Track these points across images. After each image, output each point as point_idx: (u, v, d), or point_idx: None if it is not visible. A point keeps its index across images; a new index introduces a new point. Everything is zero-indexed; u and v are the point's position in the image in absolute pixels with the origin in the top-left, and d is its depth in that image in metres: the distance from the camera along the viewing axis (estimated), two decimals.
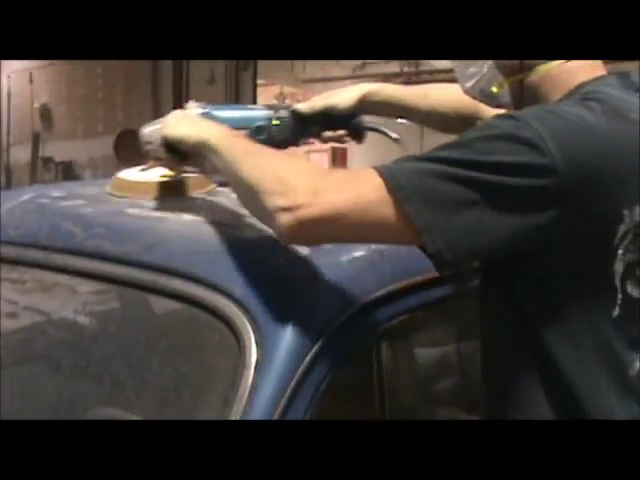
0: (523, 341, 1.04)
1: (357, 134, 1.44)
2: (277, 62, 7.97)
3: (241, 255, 1.11)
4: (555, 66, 1.08)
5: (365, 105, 1.41)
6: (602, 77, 1.08)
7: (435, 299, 1.21)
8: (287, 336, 1.01)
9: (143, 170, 1.34)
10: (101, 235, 1.22)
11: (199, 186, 1.33)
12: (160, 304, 1.14)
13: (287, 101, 9.12)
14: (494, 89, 1.15)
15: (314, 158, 12.52)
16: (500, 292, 1.04)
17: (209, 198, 1.33)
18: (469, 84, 1.19)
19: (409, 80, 7.41)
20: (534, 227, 0.94)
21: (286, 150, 1.36)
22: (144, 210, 1.29)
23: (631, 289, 1.01)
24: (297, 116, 1.35)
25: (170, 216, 1.25)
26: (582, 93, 1.04)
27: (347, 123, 1.42)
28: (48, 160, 8.33)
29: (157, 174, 1.33)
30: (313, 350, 1.02)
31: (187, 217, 1.24)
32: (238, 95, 6.62)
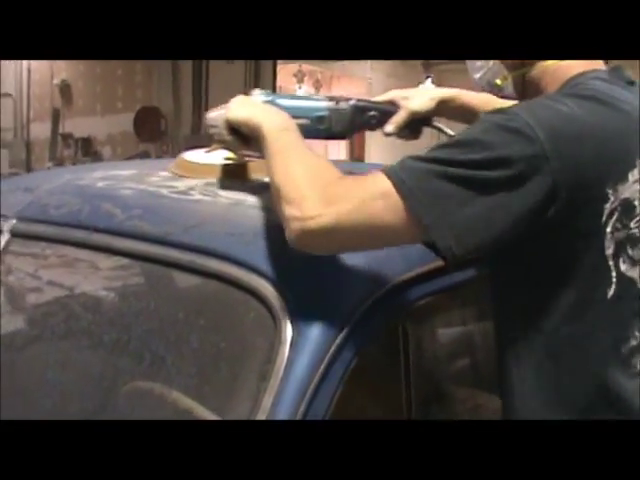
0: (524, 319, 1.09)
1: (415, 130, 1.45)
2: None
3: (276, 237, 1.12)
4: (553, 62, 1.15)
5: (441, 109, 1.44)
6: (593, 71, 1.14)
7: (460, 281, 1.25)
8: (320, 315, 1.05)
9: (207, 152, 1.39)
10: (140, 216, 1.25)
11: (260, 170, 1.32)
12: (199, 284, 1.18)
13: (305, 79, 9.09)
14: (498, 81, 1.26)
15: (332, 144, 12.45)
16: (503, 277, 1.09)
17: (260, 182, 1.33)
18: (477, 75, 1.29)
19: (427, 63, 7.38)
20: (533, 209, 0.98)
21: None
22: (182, 192, 1.32)
23: (625, 268, 1.06)
24: (357, 109, 1.37)
25: (207, 199, 1.28)
26: (571, 86, 1.11)
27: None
28: (67, 136, 8.37)
29: (220, 157, 1.38)
30: (344, 329, 1.05)
31: (224, 200, 1.27)
32: (258, 74, 6.61)
